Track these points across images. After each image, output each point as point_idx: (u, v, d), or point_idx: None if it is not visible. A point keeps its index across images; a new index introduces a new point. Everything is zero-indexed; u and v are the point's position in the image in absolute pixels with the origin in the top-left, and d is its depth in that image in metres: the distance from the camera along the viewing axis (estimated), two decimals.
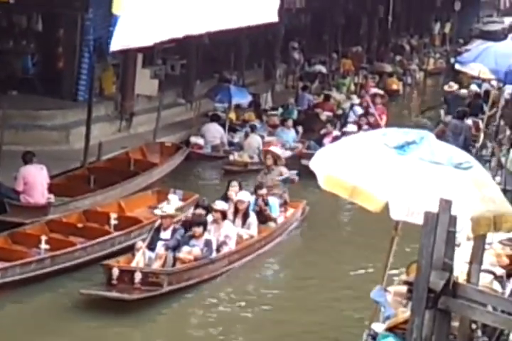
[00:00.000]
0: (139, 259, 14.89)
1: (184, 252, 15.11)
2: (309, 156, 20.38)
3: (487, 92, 29.32)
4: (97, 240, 16.74)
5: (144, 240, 15.56)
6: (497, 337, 13.14)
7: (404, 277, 13.06)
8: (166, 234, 15.44)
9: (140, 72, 26.17)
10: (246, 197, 17.67)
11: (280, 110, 29.87)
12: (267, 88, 33.31)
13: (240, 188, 18.15)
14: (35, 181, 18.41)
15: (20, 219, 17.64)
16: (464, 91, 33.26)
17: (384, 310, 12.87)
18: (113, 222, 17.79)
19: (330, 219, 21.30)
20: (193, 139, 25.89)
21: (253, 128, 27.01)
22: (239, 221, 17.34)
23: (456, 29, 57.71)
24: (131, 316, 13.92)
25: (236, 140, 26.43)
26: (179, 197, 19.69)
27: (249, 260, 16.90)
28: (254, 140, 26.01)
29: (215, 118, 27.24)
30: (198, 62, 29.96)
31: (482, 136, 26.83)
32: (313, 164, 12.61)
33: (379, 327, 12.48)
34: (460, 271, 11.09)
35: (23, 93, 24.36)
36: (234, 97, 28.50)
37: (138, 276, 14.22)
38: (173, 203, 19.25)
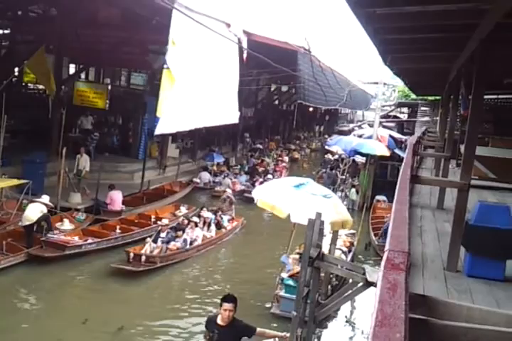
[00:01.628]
0: (147, 248, 14.77)
1: (171, 245, 15.12)
2: (249, 192, 21.04)
3: (342, 159, 29.33)
4: (144, 228, 16.82)
5: (150, 237, 15.39)
6: (343, 281, 13.08)
7: (297, 250, 13.02)
8: (163, 234, 15.27)
9: (170, 145, 25.98)
10: (209, 215, 17.74)
11: (239, 166, 29.73)
12: (233, 155, 33.19)
13: (207, 210, 18.08)
14: (116, 199, 18.26)
15: (107, 218, 17.56)
16: (331, 157, 33.32)
17: (287, 266, 12.81)
18: (152, 219, 17.79)
19: (257, 226, 20.67)
20: (195, 179, 25.59)
21: (226, 175, 26.96)
22: (205, 227, 17.27)
23: (325, 129, 58.19)
24: (139, 279, 13.70)
25: (217, 180, 26.17)
26: (186, 208, 19.80)
27: (209, 249, 16.69)
28: (227, 181, 25.85)
29: (206, 169, 27.02)
30: (199, 141, 29.80)
31: (339, 180, 26.90)
32: (254, 194, 12.70)
33: (284, 275, 12.44)
34: (326, 248, 11.06)
35: (112, 154, 24.14)
36: (215, 159, 28.37)
37: (143, 258, 14.17)
38: (182, 211, 19.33)
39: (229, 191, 21.25)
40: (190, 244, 15.70)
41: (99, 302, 12.26)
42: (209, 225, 17.46)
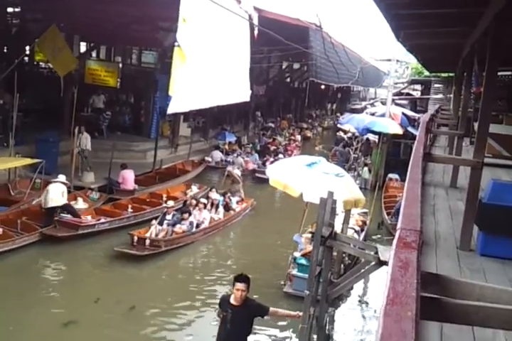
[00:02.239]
0: (152, 230, 14.40)
1: (177, 228, 14.73)
2: (260, 172, 21.77)
3: (356, 137, 29.08)
4: (156, 208, 16.79)
5: (156, 219, 15.05)
6: (355, 260, 13.12)
7: (310, 229, 13.04)
8: (169, 217, 14.90)
9: (181, 124, 26.00)
10: (217, 196, 17.47)
11: (251, 145, 29.65)
12: (245, 133, 33.11)
13: (216, 192, 17.81)
14: (128, 178, 18.37)
15: (119, 197, 17.71)
16: (344, 135, 33.11)
17: (299, 246, 12.86)
18: (164, 198, 17.75)
19: (269, 206, 20.54)
20: (207, 158, 25.62)
21: (239, 154, 26.92)
22: (213, 210, 16.94)
23: (338, 107, 57.80)
24: (147, 260, 13.55)
25: (229, 159, 26.12)
26: (197, 187, 19.82)
27: (218, 231, 16.32)
28: (239, 159, 25.81)
29: (218, 148, 27.05)
30: (211, 119, 29.77)
31: (352, 158, 26.88)
32: (267, 173, 12.72)
33: (297, 254, 12.50)
34: (338, 228, 11.07)
35: (124, 133, 24.23)
36: (227, 138, 28.37)
37: (147, 241, 13.79)
38: (193, 190, 19.37)
39: (229, 168, 21.09)
40: (197, 226, 15.44)
41: (110, 282, 12.42)
42: (217, 207, 17.17)
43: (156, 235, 14.35)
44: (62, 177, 15.33)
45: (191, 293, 12.35)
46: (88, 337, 9.86)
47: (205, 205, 16.26)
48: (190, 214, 15.39)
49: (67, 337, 9.83)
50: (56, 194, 14.65)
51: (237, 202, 18.59)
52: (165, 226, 14.66)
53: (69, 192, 16.29)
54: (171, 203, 15.60)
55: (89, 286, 12.14)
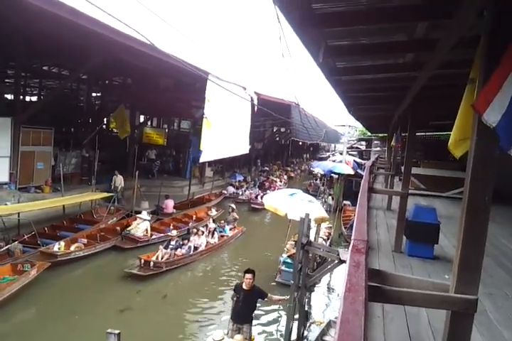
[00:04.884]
0: (159, 254, 12.62)
1: (178, 251, 12.99)
2: (254, 203, 21.64)
3: (324, 175, 28.82)
4: (188, 226, 16.36)
5: (162, 244, 13.28)
6: (324, 260, 12.90)
7: (293, 238, 12.84)
8: (173, 242, 13.13)
9: (207, 168, 25.89)
10: (213, 225, 15.64)
11: (253, 182, 29.50)
12: (249, 174, 32.91)
13: (213, 222, 16.02)
14: (169, 205, 18.08)
15: (163, 218, 17.24)
16: (318, 174, 32.93)
17: (281, 259, 12.53)
18: (193, 218, 17.49)
19: (256, 231, 18.55)
20: (223, 191, 25.25)
21: (246, 188, 26.74)
22: (210, 235, 14.94)
23: (310, 156, 57.87)
24: (147, 281, 11.57)
25: (238, 192, 25.93)
26: (215, 209, 19.39)
27: (212, 253, 14.34)
28: (247, 193, 25.61)
29: (231, 184, 26.80)
30: (226, 165, 29.65)
31: (321, 189, 26.73)
32: (264, 200, 12.58)
33: (284, 256, 12.25)
34: (312, 237, 10.93)
35: (168, 175, 24.13)
36: (237, 177, 28.20)
37: (151, 264, 11.95)
38: (213, 212, 18.75)
39: (233, 205, 18.91)
40: (196, 249, 13.56)
41: (148, 279, 11.74)
42: (213, 233, 15.34)
43: (162, 257, 12.55)
44: (144, 214, 14.92)
45: (206, 290, 11.60)
46: (140, 319, 9.47)
47: (203, 232, 14.55)
48: (189, 241, 13.61)
49: (125, 320, 9.37)
50: (140, 231, 14.43)
51: (230, 229, 16.62)
52: (169, 250, 12.88)
53: (131, 215, 16.13)
54: (174, 232, 13.71)
55: (135, 282, 11.56)
